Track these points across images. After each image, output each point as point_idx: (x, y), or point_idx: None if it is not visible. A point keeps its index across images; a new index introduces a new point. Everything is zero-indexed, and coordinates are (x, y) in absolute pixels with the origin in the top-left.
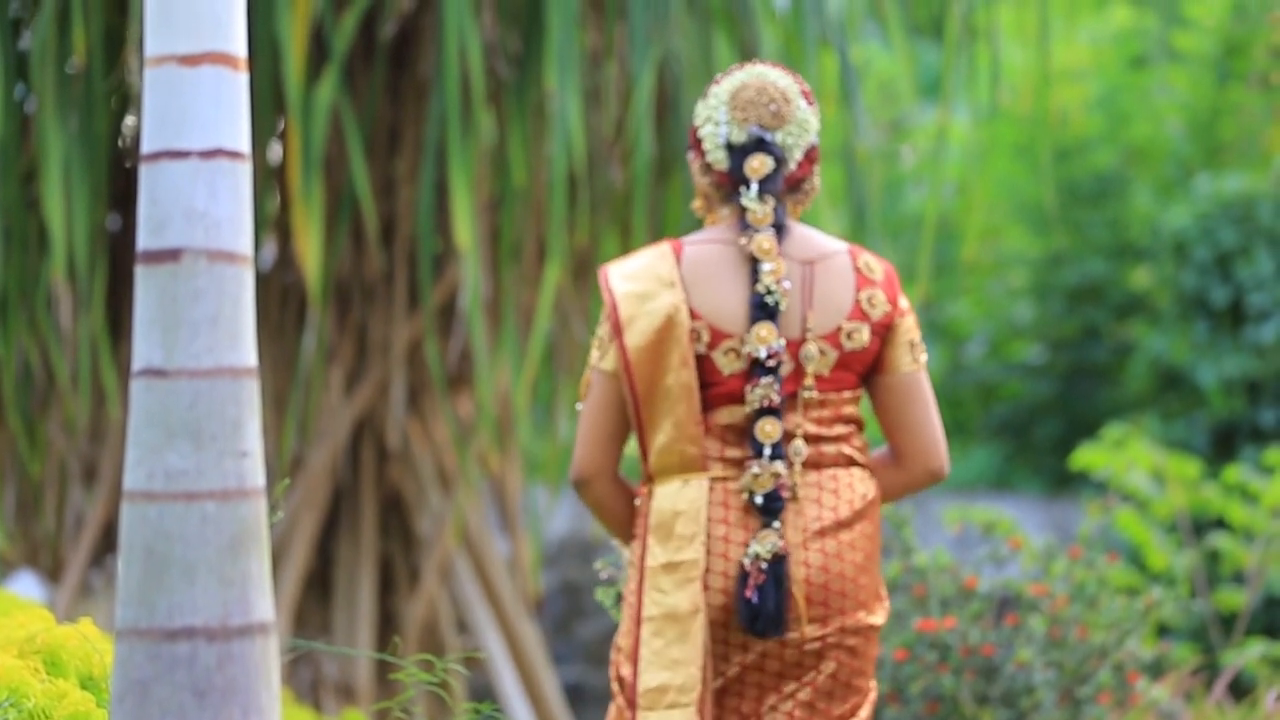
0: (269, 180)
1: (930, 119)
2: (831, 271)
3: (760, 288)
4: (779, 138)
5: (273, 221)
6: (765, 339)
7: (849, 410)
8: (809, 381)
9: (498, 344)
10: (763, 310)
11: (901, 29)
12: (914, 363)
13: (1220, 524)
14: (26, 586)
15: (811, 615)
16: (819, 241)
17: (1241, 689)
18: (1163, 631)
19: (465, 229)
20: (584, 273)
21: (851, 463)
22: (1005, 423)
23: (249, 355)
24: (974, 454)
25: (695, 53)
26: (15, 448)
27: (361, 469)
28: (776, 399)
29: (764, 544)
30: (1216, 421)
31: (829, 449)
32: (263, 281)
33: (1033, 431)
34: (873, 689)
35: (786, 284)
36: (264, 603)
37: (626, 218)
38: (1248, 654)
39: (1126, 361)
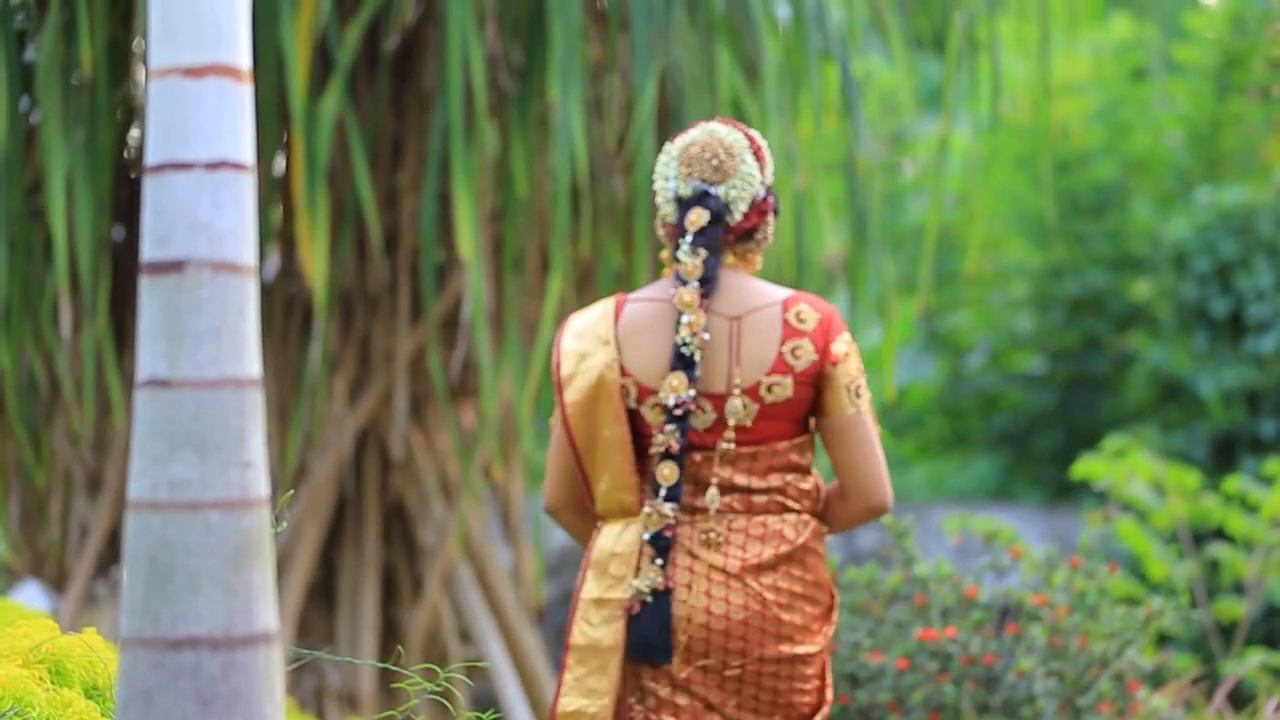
0: (273, 191)
1: (931, 131)
2: (758, 326)
3: (678, 339)
4: (721, 191)
5: (277, 232)
6: (676, 389)
7: (790, 459)
8: (729, 434)
9: (501, 354)
10: (679, 360)
11: (903, 41)
12: (852, 406)
13: (1220, 534)
14: (31, 596)
15: (723, 647)
16: (753, 294)
17: (1241, 698)
18: (1163, 641)
19: (468, 240)
20: (587, 284)
21: (784, 509)
22: (1006, 433)
23: (253, 366)
24: (974, 464)
25: (697, 65)
26: (20, 458)
27: (365, 479)
28: (676, 446)
29: (644, 580)
30: (1216, 432)
31: (759, 498)
32: (267, 292)
33: (1033, 442)
34: (825, 702)
35: (705, 335)
36: (268, 612)
37: (629, 229)
38: (1248, 663)
39: (1127, 372)
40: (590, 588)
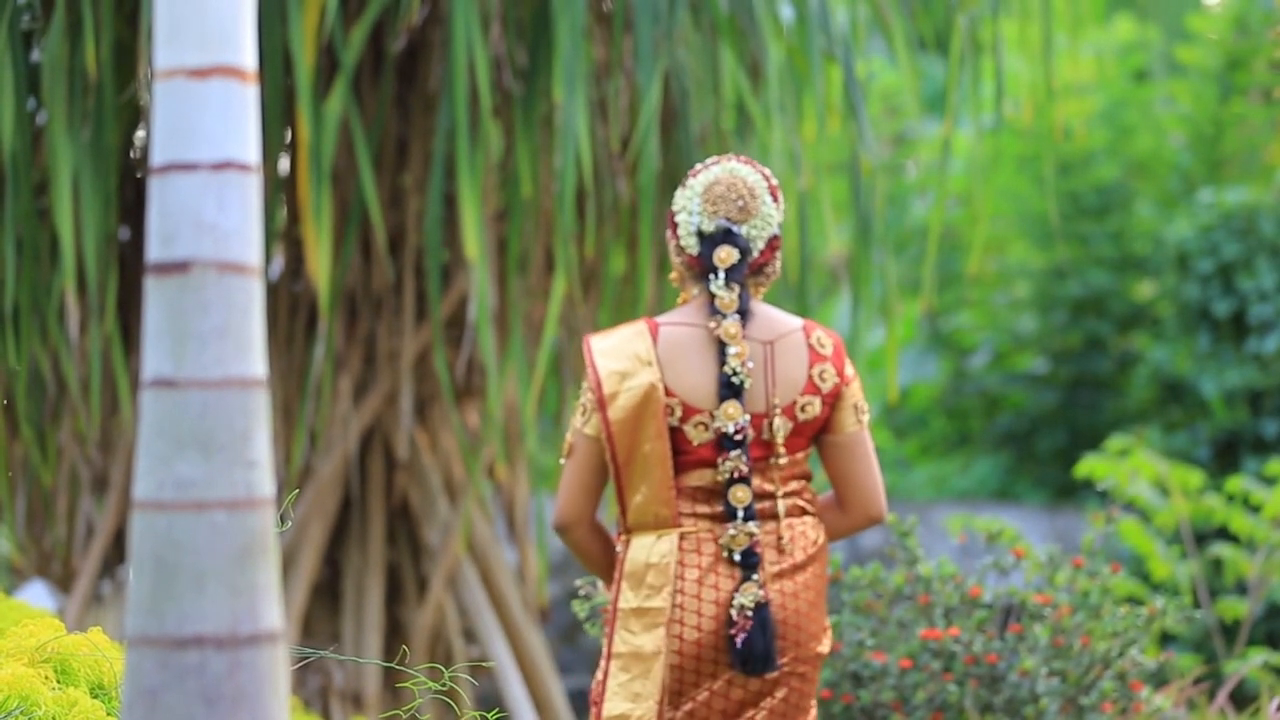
0: (278, 192)
1: (934, 132)
2: (789, 350)
3: (728, 369)
4: (745, 230)
5: (282, 232)
6: (733, 416)
7: (804, 468)
8: (780, 449)
9: (505, 355)
10: (730, 389)
11: (906, 43)
12: (857, 423)
13: (1223, 534)
14: (37, 595)
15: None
16: (777, 321)
17: (1244, 698)
18: (1166, 641)
19: (473, 240)
20: (591, 285)
21: (804, 512)
22: (1009, 433)
23: (258, 366)
24: (977, 464)
25: (701, 66)
26: (27, 457)
27: (370, 479)
28: (745, 469)
29: (747, 595)
30: (1219, 432)
31: (785, 503)
32: (272, 292)
33: (1036, 442)
34: (813, 708)
35: (750, 364)
36: (273, 611)
37: (633, 230)
38: (1250, 663)
39: (1129, 373)
40: (627, 598)
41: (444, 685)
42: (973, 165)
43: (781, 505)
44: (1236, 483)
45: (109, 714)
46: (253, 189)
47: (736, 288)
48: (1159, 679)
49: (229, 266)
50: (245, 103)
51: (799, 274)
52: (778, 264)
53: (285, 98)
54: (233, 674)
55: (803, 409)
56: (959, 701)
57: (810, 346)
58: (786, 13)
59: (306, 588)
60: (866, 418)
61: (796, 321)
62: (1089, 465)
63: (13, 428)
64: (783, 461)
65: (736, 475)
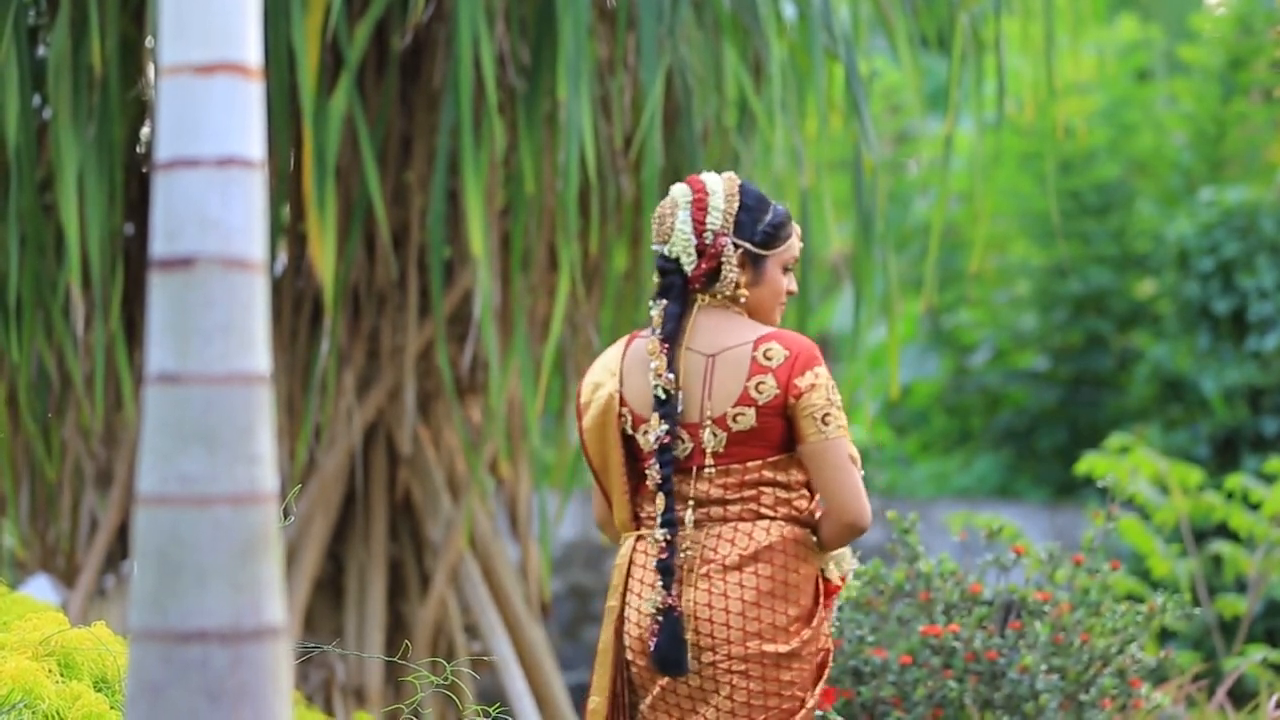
0: (283, 188)
1: (936, 130)
2: (729, 363)
3: (651, 381)
4: (666, 250)
5: (286, 228)
6: (653, 426)
7: (763, 475)
8: (708, 460)
9: (508, 351)
10: (656, 401)
11: (908, 41)
12: (819, 434)
13: (1222, 531)
14: (41, 589)
15: (701, 644)
16: (729, 335)
17: (1243, 695)
18: (1165, 637)
19: (478, 236)
20: (594, 281)
21: (758, 516)
22: (1009, 430)
23: (261, 361)
24: (978, 461)
25: (704, 63)
26: (31, 451)
27: (373, 474)
28: (659, 478)
29: (649, 602)
30: (1219, 430)
31: (734, 507)
32: (276, 288)
33: (1037, 439)
34: (804, 705)
35: (669, 376)
36: (275, 606)
37: (636, 227)
38: (1249, 660)
39: (1130, 370)
40: (609, 595)
41: (446, 680)
42: (974, 163)
43: (734, 510)
44: (1236, 480)
45: (112, 708)
46: (257, 185)
47: (663, 303)
48: (1158, 676)
49: (233, 262)
50: (249, 99)
51: (800, 271)
52: (733, 270)
53: (290, 94)
54: (235, 669)
55: (735, 419)
56: (959, 698)
57: (754, 359)
58: (789, 10)
59: (309, 583)
60: (835, 428)
61: (754, 334)
62: (1089, 463)
63: (17, 422)
64: (709, 471)
65: (656, 483)
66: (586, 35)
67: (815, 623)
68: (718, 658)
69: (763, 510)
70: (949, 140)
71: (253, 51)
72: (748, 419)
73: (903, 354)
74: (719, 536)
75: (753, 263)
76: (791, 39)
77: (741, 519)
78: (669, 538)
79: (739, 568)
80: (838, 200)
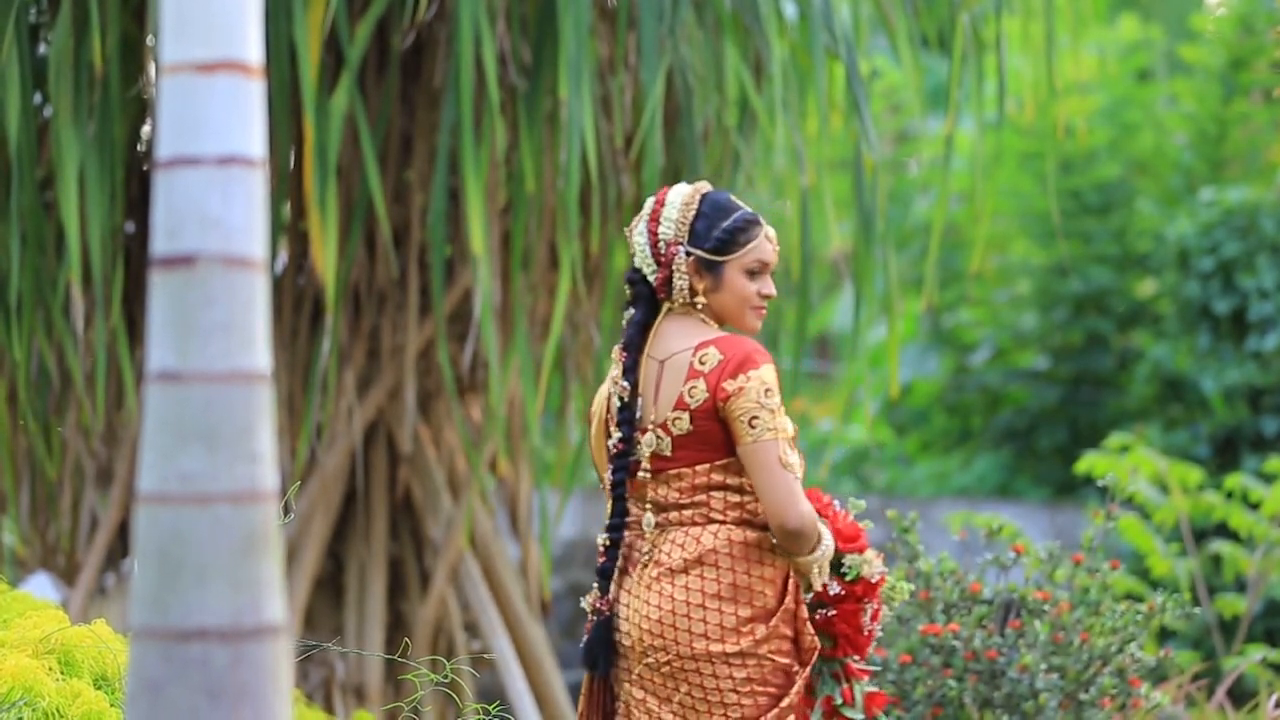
0: (284, 186)
1: (937, 130)
2: (674, 368)
3: (610, 388)
4: (634, 262)
5: (287, 227)
6: (612, 433)
7: (713, 479)
8: (645, 464)
9: (509, 350)
10: (617, 407)
11: (909, 40)
12: (749, 436)
13: (1222, 531)
14: (41, 587)
15: (650, 645)
16: (680, 340)
17: (1242, 694)
18: (1165, 637)
19: (479, 235)
20: (595, 280)
21: (709, 520)
22: (1010, 430)
23: (262, 360)
24: (978, 460)
25: (705, 63)
26: (31, 449)
27: (373, 473)
28: (611, 482)
29: (584, 602)
30: (1218, 429)
31: (687, 511)
32: (277, 286)
33: (1037, 438)
34: (785, 697)
35: (624, 384)
36: (275, 604)
37: None
38: (1249, 659)
39: (1130, 370)
40: None
41: (446, 678)
42: (975, 163)
43: (686, 514)
44: (1236, 480)
45: (112, 705)
46: (258, 183)
47: (629, 313)
48: (1158, 675)
49: (234, 261)
50: (250, 97)
51: (801, 270)
52: (683, 280)
53: (291, 93)
54: (235, 667)
55: (674, 423)
56: (958, 697)
57: (691, 364)
58: (790, 10)
59: (309, 581)
60: (763, 430)
61: (698, 339)
62: (1089, 462)
63: (17, 420)
64: (665, 475)
65: (608, 487)
66: (587, 34)
67: (773, 622)
68: (670, 657)
69: (713, 515)
70: (949, 140)
71: (254, 50)
72: (684, 423)
73: (903, 353)
74: (671, 540)
75: (709, 269)
76: (792, 38)
77: (694, 523)
78: (608, 542)
79: (685, 571)
80: (838, 199)
